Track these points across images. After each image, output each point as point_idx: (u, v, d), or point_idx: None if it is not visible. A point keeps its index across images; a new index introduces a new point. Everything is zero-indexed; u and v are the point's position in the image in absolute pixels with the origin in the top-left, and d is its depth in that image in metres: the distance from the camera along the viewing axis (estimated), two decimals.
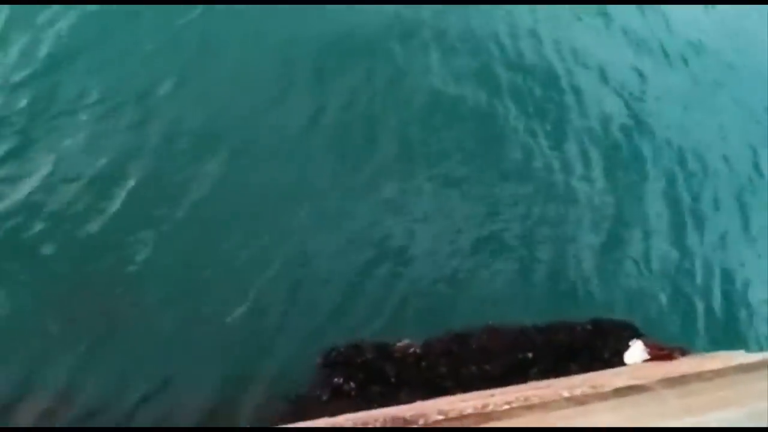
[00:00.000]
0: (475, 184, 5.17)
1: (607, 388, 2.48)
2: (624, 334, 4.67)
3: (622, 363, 4.38)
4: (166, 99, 4.69)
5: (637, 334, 4.64)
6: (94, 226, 3.97)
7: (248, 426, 3.54)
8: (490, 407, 2.49)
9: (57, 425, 3.27)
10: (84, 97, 4.50)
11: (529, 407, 2.08)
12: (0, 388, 3.32)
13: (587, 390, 2.68)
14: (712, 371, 2.47)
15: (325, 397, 3.86)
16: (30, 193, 3.98)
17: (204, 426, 3.30)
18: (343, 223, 4.62)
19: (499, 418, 1.99)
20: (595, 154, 5.77)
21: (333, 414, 3.40)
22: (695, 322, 5.35)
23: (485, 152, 5.40)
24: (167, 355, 3.69)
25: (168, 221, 4.14)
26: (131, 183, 4.22)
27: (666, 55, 6.97)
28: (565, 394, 2.68)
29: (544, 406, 2.09)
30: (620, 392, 2.22)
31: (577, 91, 6.12)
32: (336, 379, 3.92)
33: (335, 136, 5.00)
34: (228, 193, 4.42)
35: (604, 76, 6.43)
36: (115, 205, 4.09)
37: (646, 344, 4.39)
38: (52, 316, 3.62)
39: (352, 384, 3.92)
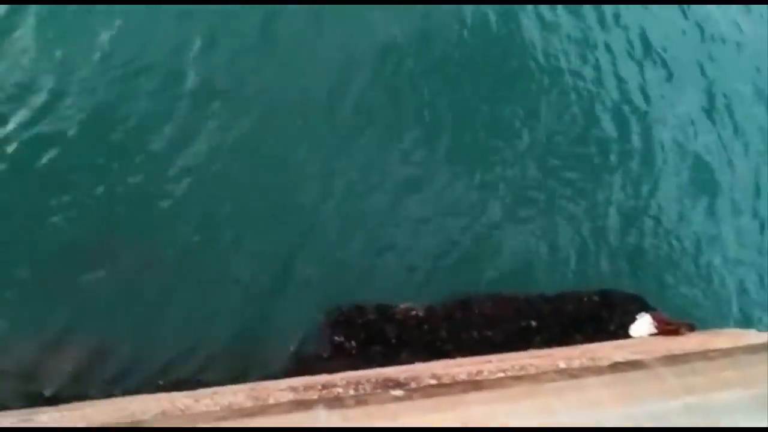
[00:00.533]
0: (495, 151, 5.00)
1: (606, 362, 2.42)
2: (632, 307, 4.58)
3: (627, 336, 4.33)
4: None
5: (645, 308, 4.55)
6: (133, 178, 4.02)
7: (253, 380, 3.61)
8: (484, 374, 2.47)
9: (84, 376, 3.44)
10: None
11: (520, 378, 2.04)
12: (33, 335, 3.47)
13: (585, 362, 2.63)
14: (717, 350, 2.38)
15: (326, 355, 3.91)
16: (71, 146, 4.02)
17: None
18: (357, 187, 4.55)
19: (488, 387, 1.96)
20: (633, 123, 5.53)
21: (332, 371, 3.47)
22: (710, 300, 5.24)
23: (518, 120, 5.22)
24: (184, 311, 3.77)
25: (198, 180, 4.14)
26: (166, 137, 4.21)
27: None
28: (562, 365, 2.63)
29: (535, 378, 2.05)
30: (617, 367, 2.16)
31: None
32: (337, 338, 3.96)
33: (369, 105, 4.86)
34: (250, 154, 4.35)
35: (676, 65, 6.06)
36: (154, 160, 4.11)
37: (654, 318, 4.31)
38: (86, 263, 3.72)
39: (353, 343, 3.96)
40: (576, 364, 2.56)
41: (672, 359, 2.27)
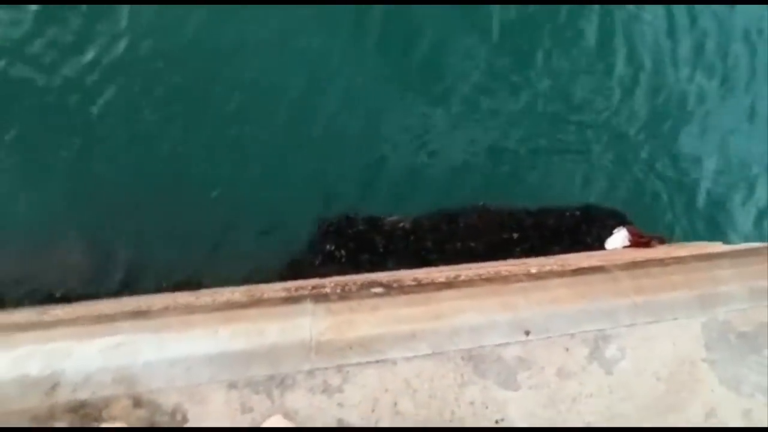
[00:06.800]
0: (481, 68, 4.92)
1: (573, 267, 2.64)
2: (611, 221, 4.82)
3: (603, 248, 4.59)
4: None
5: (623, 222, 4.78)
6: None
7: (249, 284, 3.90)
8: (461, 278, 2.70)
9: (93, 279, 3.70)
10: None
11: (491, 279, 2.25)
12: (41, 240, 3.69)
13: (555, 268, 2.86)
14: (674, 258, 2.60)
15: (317, 262, 4.18)
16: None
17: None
18: (348, 102, 4.55)
19: (460, 287, 2.17)
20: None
21: (322, 276, 3.74)
22: (691, 214, 5.46)
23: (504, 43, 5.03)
24: (179, 217, 3.98)
25: (195, 96, 4.15)
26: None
27: None
28: (533, 270, 2.86)
29: (505, 279, 2.26)
30: (579, 271, 2.37)
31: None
32: (328, 246, 4.21)
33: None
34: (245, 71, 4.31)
35: None
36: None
37: (629, 232, 4.55)
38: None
39: (342, 252, 4.22)
40: (546, 269, 2.79)
41: (631, 265, 2.49)
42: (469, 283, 2.20)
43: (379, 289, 2.17)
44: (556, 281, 2.28)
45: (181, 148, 4.05)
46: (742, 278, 2.44)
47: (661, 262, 2.52)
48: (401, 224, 4.38)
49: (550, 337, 2.10)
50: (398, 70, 4.69)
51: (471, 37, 4.90)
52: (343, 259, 4.20)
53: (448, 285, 2.19)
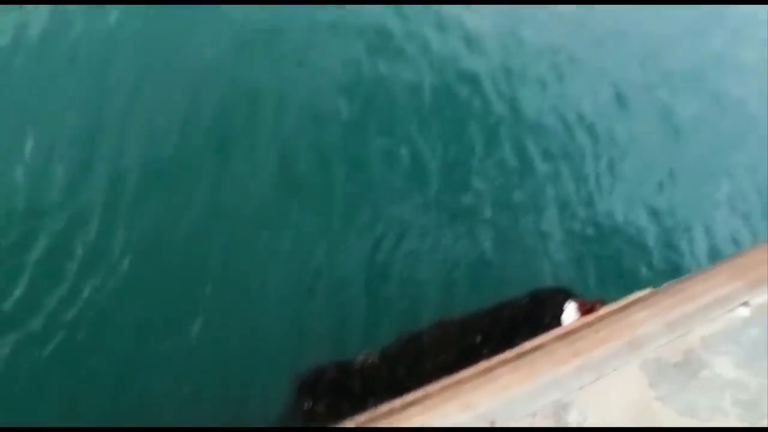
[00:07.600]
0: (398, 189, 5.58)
1: (516, 353, 2.90)
2: (559, 298, 5.20)
3: (560, 325, 4.89)
4: None
5: (569, 296, 5.17)
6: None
7: None
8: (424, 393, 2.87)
9: None
10: None
11: (445, 387, 2.47)
12: None
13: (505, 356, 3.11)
14: (597, 317, 2.95)
15: (298, 424, 4.15)
16: None
17: None
18: (283, 252, 4.94)
19: (418, 403, 2.37)
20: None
21: None
22: (627, 273, 5.95)
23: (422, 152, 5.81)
24: (161, 401, 3.95)
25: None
26: None
27: None
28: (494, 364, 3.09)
29: (459, 382, 2.49)
30: (521, 355, 2.65)
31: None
32: (306, 404, 4.23)
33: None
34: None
35: None
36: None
37: (577, 303, 4.92)
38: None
39: (321, 405, 4.23)
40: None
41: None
42: (429, 396, 2.41)
43: (350, 424, 2.31)
44: (503, 369, 2.53)
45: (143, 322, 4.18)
46: (656, 316, 2.81)
47: (589, 324, 2.86)
48: (370, 360, 4.53)
49: (513, 421, 2.28)
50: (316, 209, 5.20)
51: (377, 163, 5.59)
52: (324, 413, 4.21)
53: (411, 403, 2.38)
